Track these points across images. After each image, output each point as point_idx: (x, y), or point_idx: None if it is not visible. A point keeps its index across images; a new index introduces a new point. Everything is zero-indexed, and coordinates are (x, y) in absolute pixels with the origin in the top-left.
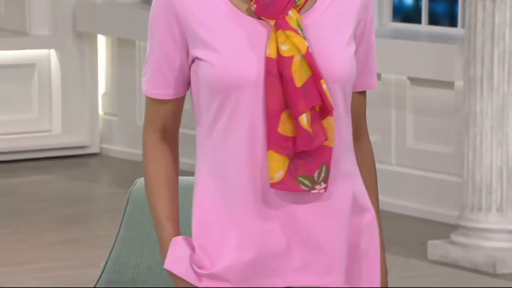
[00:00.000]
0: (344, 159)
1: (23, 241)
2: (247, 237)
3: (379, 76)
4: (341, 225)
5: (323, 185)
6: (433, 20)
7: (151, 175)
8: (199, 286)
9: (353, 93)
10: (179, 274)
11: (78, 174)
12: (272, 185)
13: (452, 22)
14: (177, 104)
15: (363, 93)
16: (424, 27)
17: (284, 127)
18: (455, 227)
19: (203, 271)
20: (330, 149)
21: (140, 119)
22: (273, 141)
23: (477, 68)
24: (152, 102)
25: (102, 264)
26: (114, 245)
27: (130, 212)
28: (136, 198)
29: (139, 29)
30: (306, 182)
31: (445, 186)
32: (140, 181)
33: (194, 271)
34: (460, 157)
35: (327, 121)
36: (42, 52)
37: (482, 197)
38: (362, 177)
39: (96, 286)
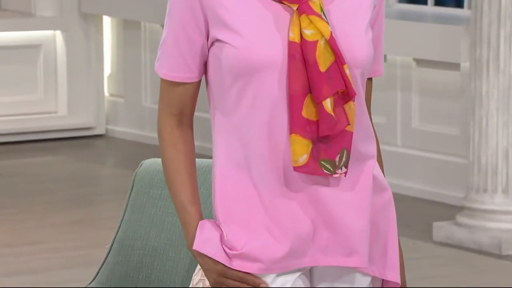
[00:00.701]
0: (363, 142)
1: (29, 221)
2: (274, 219)
3: (385, 57)
4: (364, 206)
5: (344, 169)
6: (439, 1)
7: (171, 160)
8: (231, 266)
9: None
10: (210, 255)
11: (83, 156)
12: (296, 169)
13: (458, 3)
14: (195, 87)
15: (370, 79)
16: (430, 8)
17: (308, 111)
18: (461, 209)
19: (233, 252)
20: (351, 134)
21: (145, 101)
22: (297, 124)
23: (483, 50)
24: (170, 85)
25: (108, 246)
26: (119, 227)
27: (135, 194)
28: (142, 180)
29: (145, 11)
30: (328, 166)
31: (450, 168)
32: (146, 163)
33: (225, 252)
34: (466, 138)
35: (349, 106)
36: (48, 33)
37: (487, 179)
38: None
39: (102, 268)
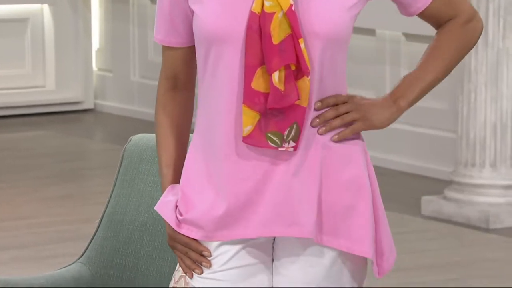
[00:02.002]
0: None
1: (19, 196)
2: (218, 188)
3: (373, 32)
4: (312, 180)
5: (292, 143)
6: None
7: (159, 123)
8: (178, 231)
9: (419, 16)
10: (164, 217)
11: (72, 130)
12: (243, 139)
13: None
14: (186, 53)
15: (423, 12)
16: None
17: (258, 83)
18: (449, 183)
19: (181, 217)
20: (303, 109)
21: (134, 75)
22: (246, 95)
23: None
24: (164, 49)
25: (97, 221)
26: (108, 202)
27: (124, 170)
28: (131, 156)
29: None
30: (274, 139)
31: (439, 142)
32: (134, 138)
33: (176, 216)
34: (455, 113)
35: (303, 81)
36: (35, 6)
37: (476, 153)
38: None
39: (91, 243)
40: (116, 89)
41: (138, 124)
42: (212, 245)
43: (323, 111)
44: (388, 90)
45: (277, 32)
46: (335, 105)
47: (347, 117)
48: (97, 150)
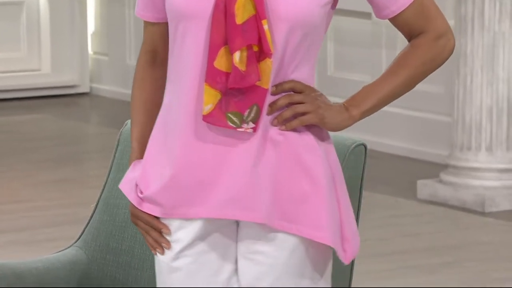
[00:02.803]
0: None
1: (15, 179)
2: (179, 166)
3: (369, 15)
4: (269, 167)
5: (251, 125)
6: None
7: (133, 96)
8: (139, 208)
9: (391, 22)
10: (126, 195)
11: (68, 114)
12: (203, 118)
13: None
14: (165, 28)
15: (396, 18)
16: None
17: (220, 62)
18: (445, 166)
19: (141, 194)
20: (264, 90)
21: (130, 59)
22: (208, 74)
23: (468, 7)
24: (144, 24)
25: (93, 205)
26: (104, 186)
27: (120, 154)
28: (127, 139)
29: None
30: (234, 119)
31: (435, 126)
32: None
33: (137, 194)
34: (450, 96)
35: (265, 63)
36: None
37: (471, 136)
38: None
39: (87, 227)
40: (112, 72)
41: None
42: (173, 226)
43: (282, 95)
44: None
45: (241, 12)
46: (291, 91)
47: (299, 108)
48: (93, 133)
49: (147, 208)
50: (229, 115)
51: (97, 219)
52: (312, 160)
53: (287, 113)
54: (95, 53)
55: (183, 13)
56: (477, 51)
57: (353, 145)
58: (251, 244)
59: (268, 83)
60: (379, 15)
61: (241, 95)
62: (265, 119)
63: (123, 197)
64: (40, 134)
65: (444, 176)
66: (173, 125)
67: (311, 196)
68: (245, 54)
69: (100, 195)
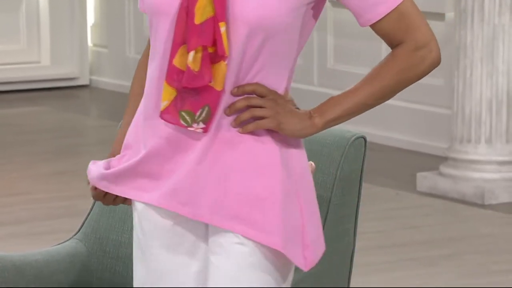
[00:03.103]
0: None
1: (15, 172)
2: (138, 151)
3: None
4: (218, 167)
5: (201, 125)
6: None
7: (131, 85)
8: (95, 185)
9: (372, 28)
10: (88, 172)
11: (68, 106)
12: (160, 114)
13: None
14: None
15: (374, 26)
16: None
17: (179, 60)
18: (444, 159)
19: (105, 171)
20: (217, 92)
21: (129, 51)
22: (168, 71)
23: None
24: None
25: None
26: None
27: None
28: None
29: None
30: (187, 117)
31: (434, 118)
32: None
33: (101, 171)
34: (450, 89)
35: (219, 65)
36: None
37: (471, 129)
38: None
39: (87, 220)
40: (112, 65)
41: None
42: (148, 215)
43: (241, 97)
44: None
45: (201, 13)
46: (253, 93)
47: (258, 112)
48: (93, 126)
49: (103, 185)
50: (183, 113)
51: (96, 211)
52: (268, 164)
53: (244, 115)
54: (94, 45)
55: (153, 8)
56: (477, 44)
57: (353, 138)
58: (217, 241)
59: (221, 85)
60: (359, 22)
61: (196, 95)
62: (218, 120)
63: None
64: (39, 126)
65: (444, 169)
66: (142, 114)
67: (264, 200)
68: (199, 54)
69: None
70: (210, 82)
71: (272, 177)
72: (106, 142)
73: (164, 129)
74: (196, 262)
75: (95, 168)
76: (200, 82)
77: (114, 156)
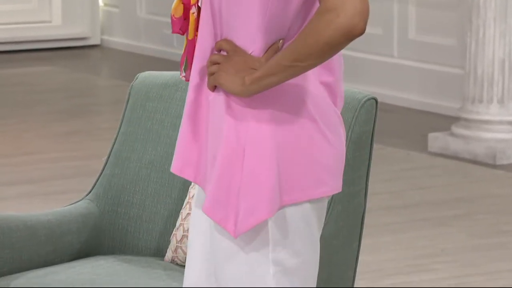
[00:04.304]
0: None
1: (27, 131)
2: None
3: None
4: (200, 121)
5: (183, 73)
6: None
7: None
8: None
9: None
10: None
11: (79, 66)
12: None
13: None
14: None
15: None
16: None
17: (176, 11)
18: (456, 119)
19: None
20: (190, 41)
21: (140, 11)
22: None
23: None
24: None
25: (104, 158)
26: (115, 139)
27: (131, 107)
28: (137, 94)
29: None
30: (184, 66)
31: (447, 79)
32: (141, 76)
33: None
34: (462, 49)
35: (191, 15)
36: None
37: (483, 89)
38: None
39: (99, 180)
40: (123, 25)
41: (145, 60)
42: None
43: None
44: (395, 26)
45: None
46: (221, 50)
47: (210, 69)
48: (104, 86)
49: None
50: (185, 62)
51: (108, 172)
52: (227, 125)
53: (206, 71)
54: (105, 5)
55: None
56: (489, 3)
57: (364, 99)
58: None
59: (191, 34)
60: None
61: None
62: (199, 71)
63: (134, 150)
64: (50, 86)
65: (456, 129)
66: None
67: (214, 159)
68: (180, 4)
69: (111, 149)
70: (178, 29)
71: (225, 139)
72: (117, 102)
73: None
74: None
75: None
76: (174, 29)
77: None
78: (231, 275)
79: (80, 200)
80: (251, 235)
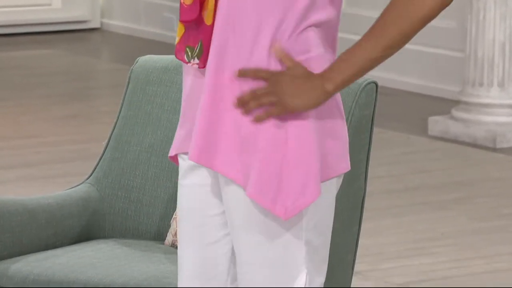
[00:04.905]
0: (241, 45)
1: (27, 114)
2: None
3: None
4: (215, 105)
5: (196, 60)
6: None
7: None
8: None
9: None
10: None
11: (79, 49)
12: (175, 51)
13: None
14: None
15: None
16: None
17: None
18: (456, 103)
19: None
20: (207, 27)
21: None
22: (180, 8)
23: None
24: None
25: (105, 142)
26: (116, 123)
27: (131, 91)
28: (137, 77)
29: None
30: (189, 53)
31: (446, 62)
32: (141, 59)
33: None
34: (463, 31)
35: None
36: None
37: (484, 72)
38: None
39: (99, 164)
40: (123, 8)
41: (145, 44)
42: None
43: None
44: None
45: None
46: (255, 78)
47: (264, 100)
48: (104, 69)
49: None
50: (187, 48)
51: (108, 156)
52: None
53: (252, 105)
54: None
55: None
56: None
57: (364, 83)
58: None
59: (209, 19)
60: None
61: (197, 29)
62: (216, 56)
63: (134, 134)
64: (50, 69)
65: (456, 113)
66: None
67: (248, 142)
68: None
69: (112, 132)
70: (196, 15)
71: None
72: (117, 85)
73: (186, 67)
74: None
75: None
76: (190, 15)
77: None
78: (264, 261)
79: (80, 183)
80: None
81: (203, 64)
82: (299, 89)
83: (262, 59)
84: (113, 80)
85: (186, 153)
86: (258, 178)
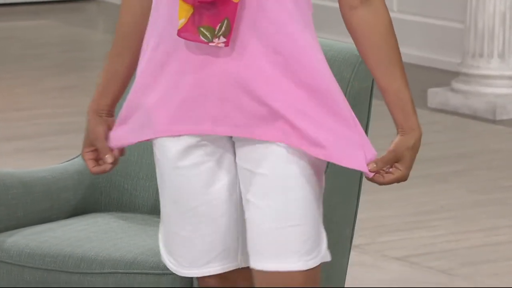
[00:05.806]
0: (268, 22)
1: (21, 86)
2: (161, 83)
3: None
4: (246, 79)
5: (223, 39)
6: None
7: (119, 18)
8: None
9: None
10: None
11: (74, 20)
12: (178, 32)
13: None
14: None
15: None
16: None
17: None
18: (456, 74)
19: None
20: (234, 4)
21: None
22: None
23: None
24: None
25: None
26: None
27: None
28: None
29: None
30: (206, 33)
31: (446, 33)
32: None
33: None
34: (463, 2)
35: None
36: None
37: (484, 44)
38: (366, 40)
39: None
40: None
41: None
42: (159, 140)
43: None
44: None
45: None
46: (390, 164)
47: (391, 178)
48: (100, 40)
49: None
50: (202, 29)
51: None
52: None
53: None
54: None
55: None
56: None
57: None
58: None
59: None
60: None
61: (213, 9)
62: (240, 33)
63: None
64: (45, 40)
65: (456, 84)
66: (159, 43)
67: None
68: None
69: None
70: None
71: (316, 83)
72: None
73: (187, 50)
74: (224, 175)
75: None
76: None
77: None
78: (299, 209)
79: (76, 157)
80: (321, 165)
81: (228, 42)
82: (408, 149)
83: (293, 30)
84: (109, 51)
85: (175, 136)
86: (338, 139)
